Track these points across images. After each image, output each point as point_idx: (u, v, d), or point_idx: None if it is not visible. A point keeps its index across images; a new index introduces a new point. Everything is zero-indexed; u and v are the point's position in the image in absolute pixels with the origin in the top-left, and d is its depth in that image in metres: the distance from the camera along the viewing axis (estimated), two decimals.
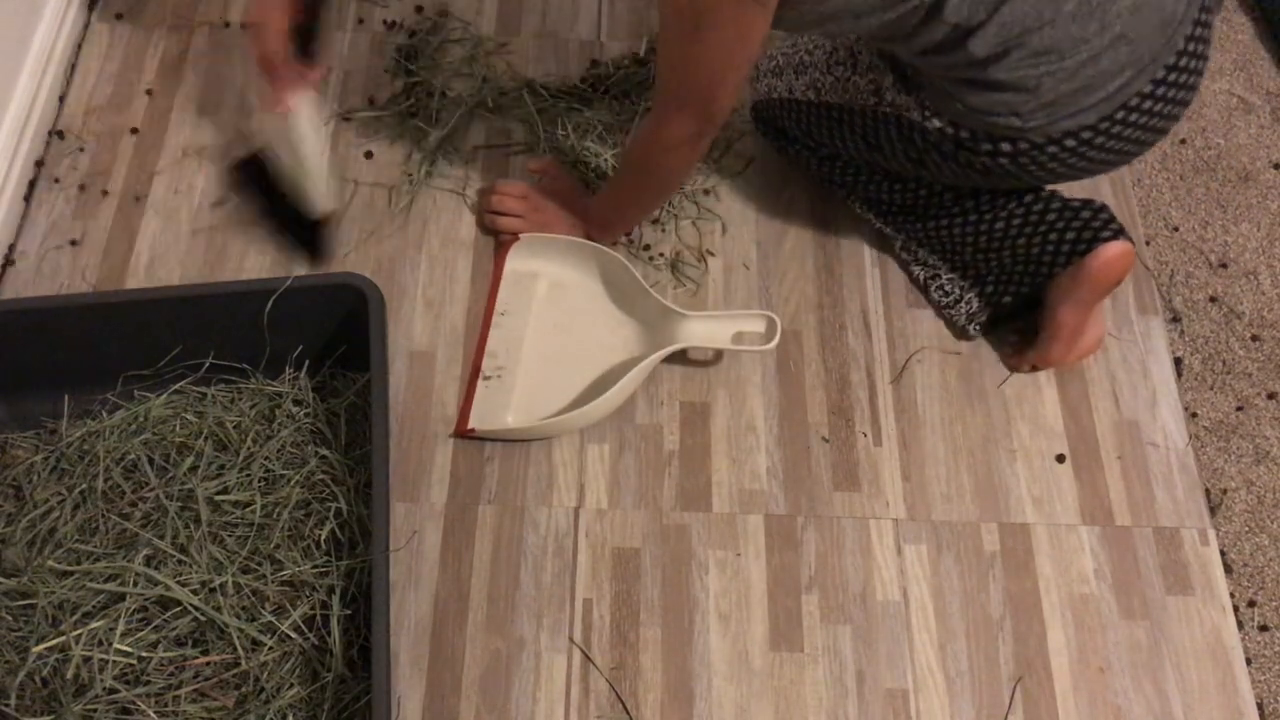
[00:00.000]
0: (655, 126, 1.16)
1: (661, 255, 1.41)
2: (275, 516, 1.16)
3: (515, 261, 1.39)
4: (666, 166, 1.22)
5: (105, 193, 1.44)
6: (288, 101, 1.24)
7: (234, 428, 1.21)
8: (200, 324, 1.22)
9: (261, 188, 1.39)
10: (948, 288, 1.36)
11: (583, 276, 1.38)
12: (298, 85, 1.24)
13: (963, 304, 1.35)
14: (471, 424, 1.28)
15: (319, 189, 1.34)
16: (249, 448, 1.20)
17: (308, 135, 1.28)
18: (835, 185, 1.40)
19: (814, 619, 1.20)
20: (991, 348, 1.36)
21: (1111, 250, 1.20)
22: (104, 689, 1.05)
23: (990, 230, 1.27)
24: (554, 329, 1.36)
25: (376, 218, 1.43)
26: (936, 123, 1.16)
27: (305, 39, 1.22)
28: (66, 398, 1.25)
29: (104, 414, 1.25)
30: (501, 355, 1.33)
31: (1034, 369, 1.34)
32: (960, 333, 1.36)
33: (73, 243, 1.40)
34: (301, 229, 1.38)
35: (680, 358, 1.34)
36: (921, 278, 1.38)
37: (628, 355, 1.33)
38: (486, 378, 1.32)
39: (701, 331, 1.30)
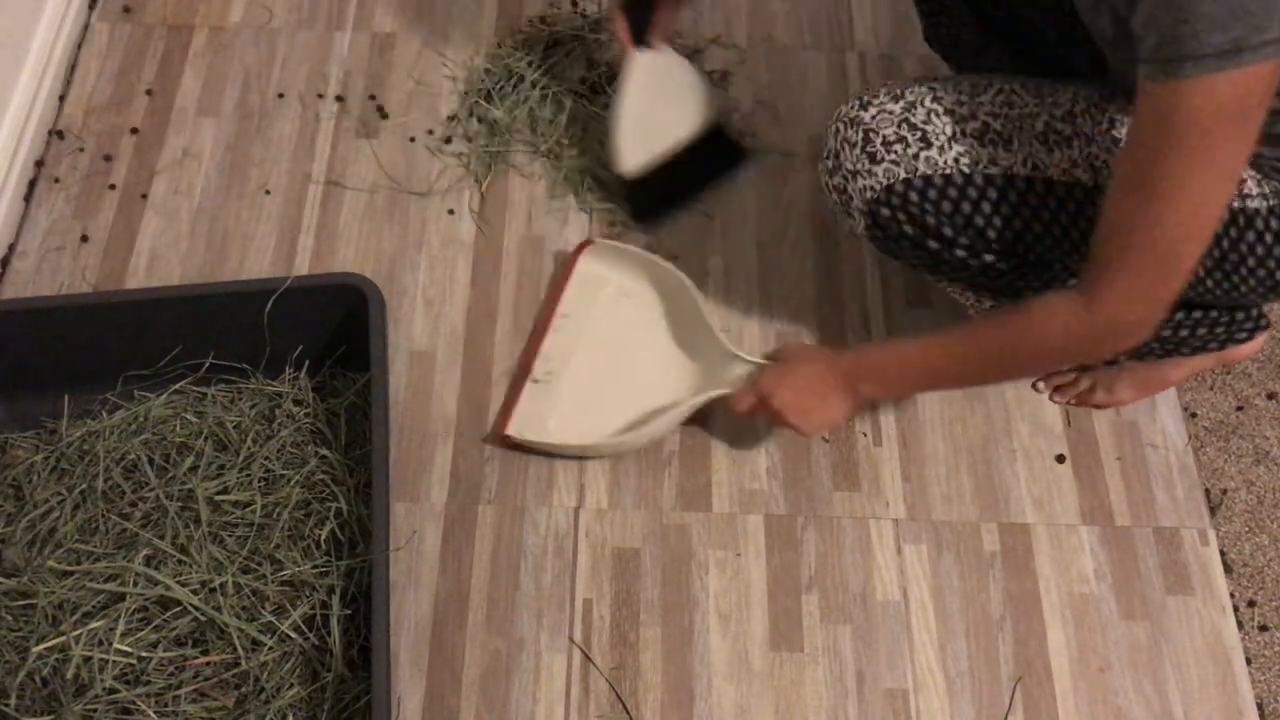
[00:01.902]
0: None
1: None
2: (275, 516, 1.16)
3: (587, 264, 1.35)
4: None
5: (105, 192, 1.44)
6: (628, 60, 1.34)
7: (234, 428, 1.21)
8: (200, 324, 1.22)
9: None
10: None
11: (649, 293, 1.34)
12: (632, 48, 1.33)
13: None
14: (513, 428, 1.24)
15: (620, 144, 1.34)
16: (249, 448, 1.20)
17: (629, 92, 1.33)
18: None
19: (814, 619, 1.20)
20: None
21: (1248, 348, 1.21)
22: (104, 689, 1.05)
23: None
24: (610, 342, 1.32)
25: (377, 217, 1.43)
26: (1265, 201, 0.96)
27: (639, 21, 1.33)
28: (66, 398, 1.25)
29: (104, 414, 1.25)
30: (555, 359, 1.30)
31: (1096, 407, 1.31)
32: None
33: (73, 242, 1.40)
34: (629, 184, 1.38)
35: None
36: None
37: (677, 391, 1.28)
38: (536, 380, 1.29)
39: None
